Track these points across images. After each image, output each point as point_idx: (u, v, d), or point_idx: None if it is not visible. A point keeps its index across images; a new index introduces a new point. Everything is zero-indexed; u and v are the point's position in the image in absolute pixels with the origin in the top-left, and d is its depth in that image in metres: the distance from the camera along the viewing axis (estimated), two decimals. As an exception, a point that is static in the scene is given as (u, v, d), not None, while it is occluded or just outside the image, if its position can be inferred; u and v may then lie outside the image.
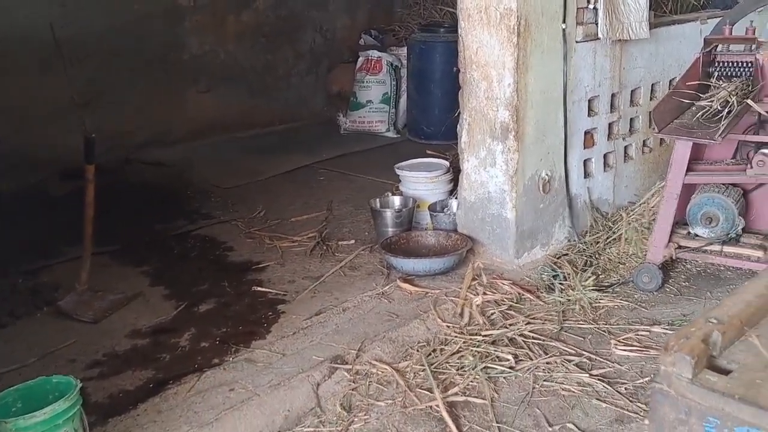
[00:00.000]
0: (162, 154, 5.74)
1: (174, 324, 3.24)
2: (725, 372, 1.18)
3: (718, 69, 3.18)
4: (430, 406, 2.59)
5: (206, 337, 3.11)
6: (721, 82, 3.06)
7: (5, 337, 3.16)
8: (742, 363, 1.22)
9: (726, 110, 2.83)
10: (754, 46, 3.11)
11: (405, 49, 6.58)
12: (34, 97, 5.16)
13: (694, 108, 3.00)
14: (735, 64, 3.15)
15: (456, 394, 2.66)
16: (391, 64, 6.61)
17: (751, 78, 3.06)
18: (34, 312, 3.37)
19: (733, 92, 2.90)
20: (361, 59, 6.70)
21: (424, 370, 2.77)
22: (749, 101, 2.90)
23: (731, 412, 1.09)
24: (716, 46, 3.23)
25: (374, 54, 6.65)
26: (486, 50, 3.50)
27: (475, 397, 2.64)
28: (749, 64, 3.08)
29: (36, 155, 5.04)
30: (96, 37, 5.56)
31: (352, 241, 4.08)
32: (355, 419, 2.56)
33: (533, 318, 3.16)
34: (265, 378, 2.73)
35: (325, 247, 4.01)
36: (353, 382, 2.73)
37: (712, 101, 2.89)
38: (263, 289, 3.53)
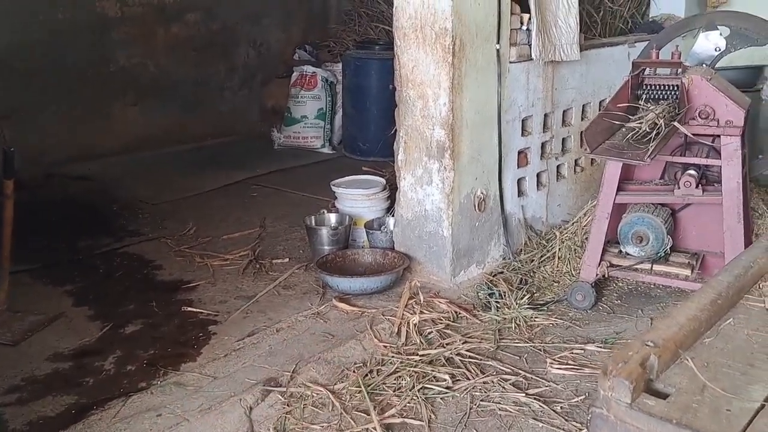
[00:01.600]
0: (87, 169, 5.51)
1: (98, 346, 3.08)
2: (663, 396, 1.18)
3: (646, 91, 3.28)
4: (367, 429, 2.53)
5: (133, 360, 2.96)
6: (649, 105, 3.15)
7: None
8: (678, 386, 1.22)
9: (654, 132, 2.92)
10: (679, 70, 3.23)
11: (340, 65, 6.56)
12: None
13: (623, 129, 3.08)
14: (662, 87, 3.25)
15: (393, 416, 2.61)
16: (326, 80, 6.58)
17: (677, 101, 3.17)
18: (-54, 335, 3.14)
19: (661, 114, 2.99)
20: (295, 74, 6.64)
21: (360, 392, 2.72)
22: (676, 123, 2.99)
23: (668, 436, 1.09)
24: (644, 69, 3.33)
25: (309, 69, 6.60)
26: (422, 69, 3.51)
27: (412, 418, 2.60)
28: (675, 88, 3.19)
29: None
30: (17, 48, 5.32)
31: (287, 260, 4.00)
32: (290, 444, 2.48)
33: (470, 337, 3.15)
34: (195, 402, 2.62)
35: (258, 266, 3.91)
36: (287, 405, 2.65)
37: (641, 123, 2.97)
38: (193, 309, 3.41)
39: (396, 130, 3.73)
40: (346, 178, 4.33)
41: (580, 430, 2.52)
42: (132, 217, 4.70)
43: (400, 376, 2.83)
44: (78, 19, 5.74)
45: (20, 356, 2.99)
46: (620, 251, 3.39)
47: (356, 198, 4.14)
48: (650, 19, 5.26)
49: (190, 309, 3.41)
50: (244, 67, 7.04)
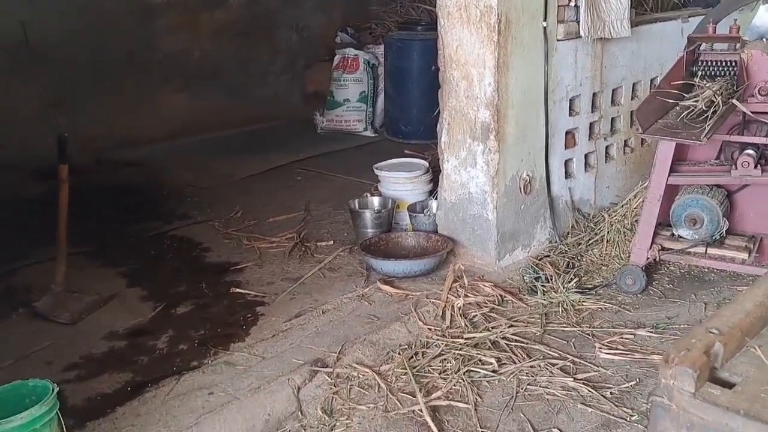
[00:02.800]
0: (135, 154, 5.62)
1: (152, 326, 3.16)
2: (728, 385, 1.14)
3: (701, 68, 3.17)
4: (413, 411, 2.54)
5: (184, 340, 3.03)
6: (705, 82, 3.05)
7: (-22, 340, 3.06)
8: (745, 375, 1.17)
9: (711, 110, 2.82)
10: (738, 45, 3.11)
11: (382, 47, 6.52)
12: (4, 97, 5.02)
13: (678, 108, 2.99)
14: (719, 63, 3.13)
15: (439, 398, 2.61)
16: (368, 63, 6.55)
17: (736, 77, 3.05)
18: (9, 314, 3.27)
19: (718, 92, 2.89)
20: (337, 57, 6.63)
21: (406, 374, 2.72)
22: (734, 101, 2.89)
23: (736, 428, 1.05)
24: (699, 44, 3.22)
25: (351, 52, 6.58)
26: (466, 48, 3.45)
27: (458, 401, 2.60)
28: (733, 63, 3.08)
29: (8, 156, 4.90)
30: (67, 36, 5.44)
31: (331, 242, 4.02)
32: (337, 423, 2.51)
33: (516, 321, 3.12)
34: (244, 381, 2.66)
35: (303, 248, 3.94)
36: (334, 385, 2.67)
37: (696, 101, 2.87)
38: (242, 291, 3.46)
39: (439, 111, 3.69)
40: (389, 162, 4.31)
41: (631, 416, 2.48)
42: (180, 201, 4.78)
43: (445, 359, 2.83)
44: (125, 8, 5.83)
45: (78, 335, 3.08)
46: (672, 234, 3.30)
47: (399, 181, 4.12)
48: (704, -7, 5.08)
49: (238, 290, 3.46)
50: (286, 51, 7.06)
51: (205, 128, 6.28)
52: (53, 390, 2.13)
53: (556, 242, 3.76)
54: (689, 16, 4.50)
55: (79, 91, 5.47)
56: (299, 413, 2.55)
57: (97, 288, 3.47)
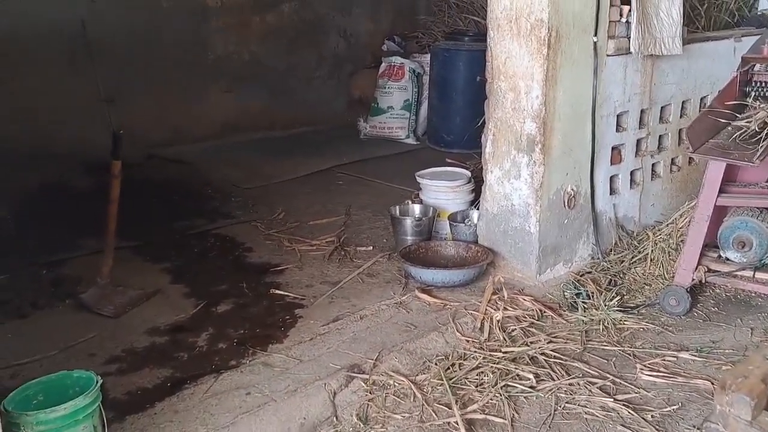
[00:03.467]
0: (183, 152, 5.73)
1: (192, 323, 3.21)
2: (786, 414, 1.12)
3: (755, 89, 3.11)
4: (448, 422, 2.53)
5: (224, 338, 3.07)
6: (758, 103, 2.99)
7: (27, 327, 3.15)
8: (801, 404, 1.15)
9: (764, 132, 2.76)
10: (793, 68, 3.04)
11: (428, 56, 6.54)
12: (61, 91, 5.18)
13: (730, 128, 2.94)
14: (774, 84, 3.07)
15: (475, 411, 2.60)
16: (414, 71, 6.57)
17: (790, 100, 2.99)
18: (56, 304, 3.36)
19: (772, 114, 2.83)
20: (383, 65, 6.67)
21: (442, 385, 2.72)
22: (789, 124, 2.83)
23: (792, 457, 1.02)
24: (754, 65, 3.16)
25: (397, 60, 6.61)
26: (515, 61, 3.45)
27: (494, 415, 2.58)
28: (788, 86, 3.02)
29: (61, 149, 5.05)
30: (123, 34, 5.57)
31: (371, 248, 4.04)
32: (372, 431, 2.51)
33: (555, 336, 3.09)
34: (281, 383, 2.69)
35: (343, 253, 3.96)
36: (370, 392, 2.68)
37: (749, 122, 2.82)
38: (281, 293, 3.49)
39: (483, 122, 3.69)
40: (431, 170, 4.31)
41: (672, 439, 2.44)
42: (224, 200, 4.86)
43: (482, 372, 2.81)
44: (179, 7, 5.96)
45: (120, 328, 3.15)
46: (719, 256, 3.23)
47: (441, 189, 4.12)
48: (759, 13, 4.98)
49: (278, 292, 3.50)
50: (333, 57, 7.13)
51: (251, 129, 6.38)
52: (97, 382, 2.18)
53: (598, 259, 3.72)
54: (742, 36, 4.41)
55: (133, 88, 5.60)
56: (334, 418, 2.56)
57: (141, 283, 3.54)
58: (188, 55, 6.09)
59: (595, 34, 3.50)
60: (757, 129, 2.80)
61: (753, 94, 3.10)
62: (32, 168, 4.82)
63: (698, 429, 2.21)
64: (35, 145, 4.95)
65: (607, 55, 3.63)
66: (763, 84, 3.10)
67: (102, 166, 3.42)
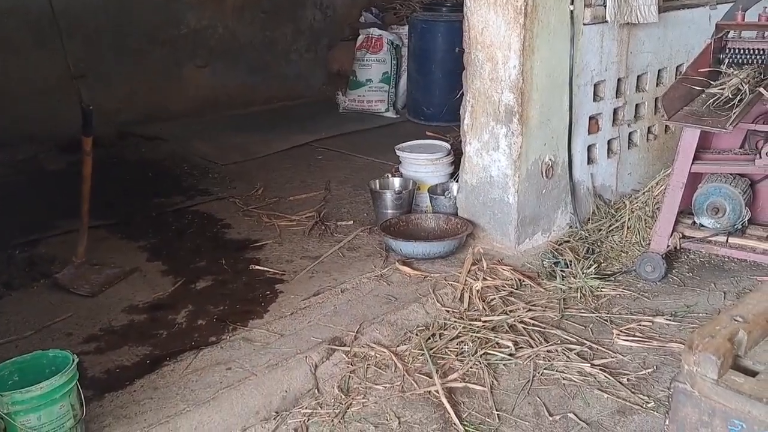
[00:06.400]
0: (158, 129, 5.66)
1: (171, 300, 3.20)
2: (751, 373, 1.14)
3: (729, 56, 3.13)
4: (429, 392, 2.56)
5: (203, 315, 3.07)
6: (732, 70, 3.01)
7: (0, 308, 3.11)
8: (768, 364, 1.17)
9: (737, 98, 2.78)
10: (766, 33, 3.05)
11: (406, 27, 6.48)
12: (30, 69, 5.08)
13: (704, 95, 2.95)
14: (747, 51, 3.09)
15: (455, 380, 2.63)
16: (392, 43, 6.51)
17: (764, 66, 3.01)
18: (31, 284, 3.32)
19: (745, 80, 2.85)
20: (361, 37, 6.60)
21: (422, 355, 2.74)
22: (762, 89, 2.84)
23: (758, 416, 1.05)
24: (728, 32, 3.17)
25: (375, 32, 6.54)
26: (492, 30, 3.43)
27: (474, 383, 2.61)
28: (762, 52, 3.03)
29: (32, 129, 4.97)
30: (92, 9, 5.46)
31: (351, 222, 4.04)
32: (353, 402, 2.53)
33: (534, 305, 3.12)
34: (262, 358, 2.70)
35: (323, 227, 3.96)
36: (351, 364, 2.70)
37: (723, 89, 2.84)
38: (261, 268, 3.49)
39: (462, 94, 3.67)
40: (411, 143, 4.30)
41: (647, 403, 2.48)
42: (202, 176, 4.82)
43: (462, 341, 2.84)
44: (150, -18, 5.84)
45: (98, 307, 3.13)
46: (694, 222, 3.28)
47: (420, 163, 4.11)
48: (735, -21, 4.97)
49: (257, 267, 3.49)
50: (310, 30, 7.04)
51: (228, 105, 6.31)
52: (73, 361, 2.17)
53: (576, 228, 3.75)
54: (717, 3, 4.41)
55: (104, 65, 5.50)
56: (316, 391, 2.58)
57: (118, 261, 3.52)
58: (161, 31, 5.99)
59: (572, 3, 3.49)
60: (730, 95, 2.82)
61: (727, 61, 3.12)
62: (4, 148, 4.74)
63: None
64: (6, 125, 4.86)
65: (584, 24, 3.62)
66: (737, 51, 3.11)
67: (75, 145, 3.37)
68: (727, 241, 3.20)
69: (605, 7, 3.64)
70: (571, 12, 3.49)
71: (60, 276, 3.31)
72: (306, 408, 2.50)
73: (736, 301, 2.48)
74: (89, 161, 3.27)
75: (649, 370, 2.67)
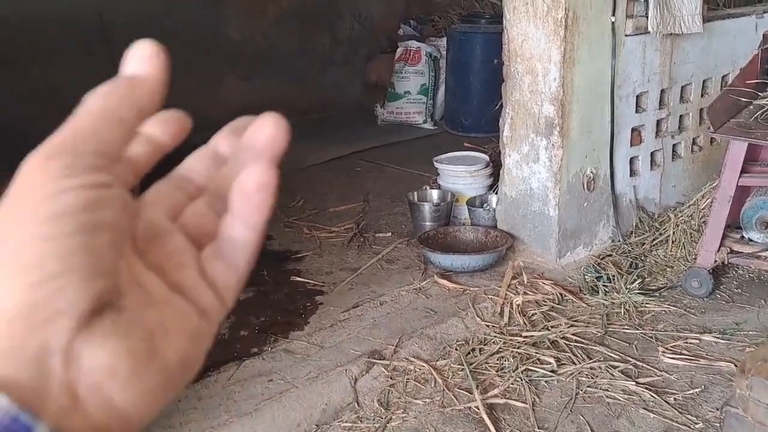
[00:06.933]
0: (201, 139, 5.71)
1: (214, 312, 3.24)
2: (808, 397, 1.11)
3: (778, 67, 3.06)
4: (469, 407, 2.55)
5: (245, 326, 3.10)
6: (781, 81, 2.94)
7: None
8: (823, 387, 1.14)
9: (787, 111, 2.72)
10: (818, 44, 2.98)
11: (444, 39, 6.48)
12: (78, 80, 5.20)
13: (751, 107, 2.89)
14: (797, 62, 3.01)
15: (496, 396, 2.61)
16: (430, 55, 6.52)
17: (814, 77, 2.94)
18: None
19: (795, 92, 2.78)
20: (400, 49, 6.61)
21: (462, 370, 2.73)
22: (812, 102, 2.78)
23: (816, 442, 1.02)
24: (776, 42, 3.10)
25: (413, 44, 6.56)
26: (531, 43, 3.41)
27: (515, 400, 2.59)
28: (812, 63, 2.96)
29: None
30: (136, 21, 5.56)
31: (389, 234, 4.04)
32: (393, 417, 2.53)
33: (576, 320, 3.08)
34: (303, 370, 2.72)
35: (362, 239, 3.97)
36: (391, 378, 2.69)
37: (772, 101, 2.78)
38: (302, 279, 3.52)
39: (500, 105, 3.66)
40: (449, 155, 4.29)
41: (695, 423, 2.43)
42: (242, 188, 4.87)
43: (503, 357, 2.82)
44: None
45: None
46: (742, 237, 3.20)
47: (459, 174, 4.10)
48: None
49: (298, 279, 3.52)
50: (348, 41, 7.09)
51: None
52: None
53: (619, 241, 3.69)
54: (764, 12, 4.32)
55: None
56: (356, 404, 2.58)
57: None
58: (203, 42, 6.10)
59: (613, 14, 3.45)
60: (780, 107, 2.76)
61: (776, 71, 3.05)
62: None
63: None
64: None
65: (626, 35, 3.58)
66: (787, 61, 3.04)
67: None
68: (777, 256, 3.11)
69: (647, 17, 3.59)
70: (613, 23, 3.46)
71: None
72: (346, 422, 2.50)
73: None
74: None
75: (697, 390, 2.61)
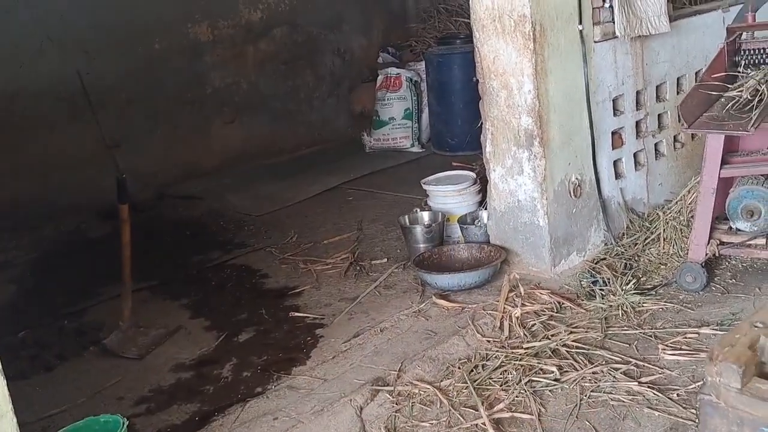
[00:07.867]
0: (193, 187, 5.81)
1: (216, 355, 3.27)
2: (777, 379, 1.12)
3: (744, 57, 3.11)
4: (476, 424, 2.55)
5: (248, 367, 3.12)
6: (748, 71, 2.98)
7: (54, 379, 3.22)
8: (794, 369, 1.16)
9: (756, 99, 2.76)
10: (780, 32, 3.04)
11: (423, 63, 6.58)
12: (67, 143, 5.29)
13: (723, 100, 2.93)
14: (761, 51, 3.07)
15: (502, 410, 2.61)
16: (411, 80, 6.61)
17: (781, 64, 2.98)
18: (81, 352, 3.42)
19: (762, 80, 2.83)
20: (380, 77, 6.71)
21: (467, 388, 2.73)
22: (781, 88, 2.82)
23: (790, 422, 1.03)
24: (740, 34, 3.15)
25: (393, 71, 6.65)
26: (503, 59, 3.48)
27: (521, 412, 2.59)
28: (777, 50, 3.01)
29: (74, 200, 5.15)
30: (120, 79, 5.68)
31: (385, 260, 4.07)
32: (401, 442, 2.53)
33: (575, 327, 3.09)
34: (308, 404, 2.72)
35: (358, 268, 4.00)
36: (396, 403, 2.70)
37: (741, 91, 2.82)
38: (301, 314, 3.54)
39: (482, 122, 3.71)
40: (436, 176, 4.34)
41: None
42: (237, 229, 4.92)
43: (505, 370, 2.82)
44: (172, 46, 6.06)
45: (146, 369, 3.21)
46: (730, 227, 3.22)
47: (447, 194, 4.14)
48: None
49: (297, 314, 3.54)
50: (330, 75, 7.19)
51: (258, 156, 6.45)
52: (123, 424, 2.23)
53: (611, 244, 3.72)
54: (729, 6, 4.39)
55: (137, 131, 5.70)
56: (363, 433, 2.59)
57: (162, 321, 3.60)
58: (187, 92, 6.19)
59: (580, 23, 3.52)
60: (749, 97, 2.80)
61: (742, 63, 3.10)
62: (49, 220, 4.93)
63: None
64: (49, 198, 5.07)
65: (595, 42, 3.64)
66: (752, 51, 3.10)
67: (115, 212, 3.50)
68: (766, 243, 3.13)
69: (614, 22, 3.66)
70: (581, 32, 3.52)
71: (108, 341, 3.40)
72: (355, 451, 2.51)
73: (755, 309, 2.44)
74: (127, 228, 3.39)
75: (699, 384, 2.59)
